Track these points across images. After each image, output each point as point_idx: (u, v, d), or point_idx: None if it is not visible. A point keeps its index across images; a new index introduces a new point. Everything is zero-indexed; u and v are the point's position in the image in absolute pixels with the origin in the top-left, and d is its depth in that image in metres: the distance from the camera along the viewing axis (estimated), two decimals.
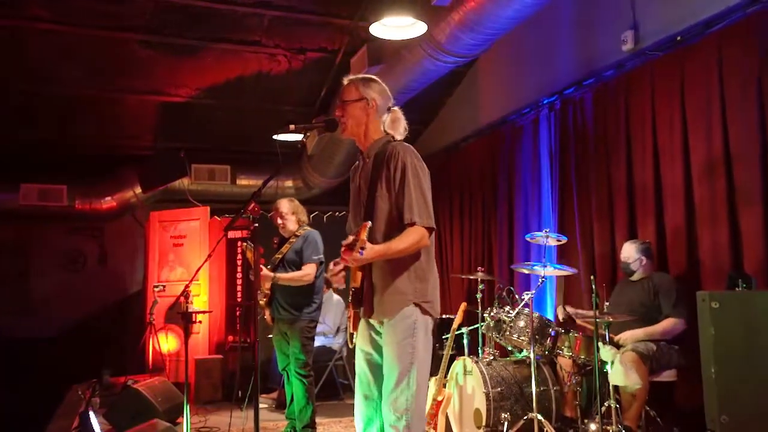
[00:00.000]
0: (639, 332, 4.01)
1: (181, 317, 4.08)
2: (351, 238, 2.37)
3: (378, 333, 2.60)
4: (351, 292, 2.59)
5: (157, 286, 6.82)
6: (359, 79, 2.70)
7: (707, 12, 4.06)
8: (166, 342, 7.04)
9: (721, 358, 3.30)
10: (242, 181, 8.00)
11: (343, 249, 2.40)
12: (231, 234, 7.29)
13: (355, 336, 2.68)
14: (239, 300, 7.32)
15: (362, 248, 2.33)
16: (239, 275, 7.47)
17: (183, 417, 4.11)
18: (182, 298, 3.99)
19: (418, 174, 2.54)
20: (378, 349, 2.60)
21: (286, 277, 4.47)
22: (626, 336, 4.02)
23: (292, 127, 2.56)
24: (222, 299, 7.53)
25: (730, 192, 3.97)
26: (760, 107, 3.77)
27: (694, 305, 3.51)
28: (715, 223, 4.04)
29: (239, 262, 7.45)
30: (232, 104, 7.13)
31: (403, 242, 2.45)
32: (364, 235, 2.33)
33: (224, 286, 7.54)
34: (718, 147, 4.03)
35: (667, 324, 3.99)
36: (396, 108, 2.74)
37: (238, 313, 7.27)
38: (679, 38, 4.30)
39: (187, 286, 3.86)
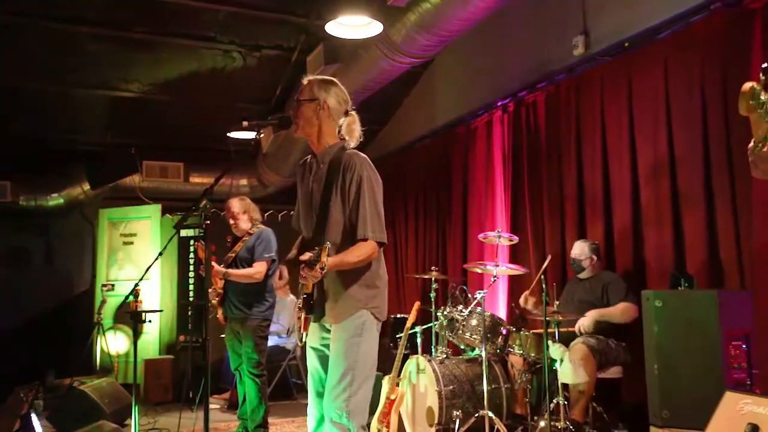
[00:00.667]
0: (594, 314, 4.11)
1: (130, 317, 3.99)
2: (309, 255, 2.35)
3: (329, 331, 2.62)
4: (302, 298, 2.60)
5: (105, 285, 6.66)
6: (317, 80, 2.67)
7: (654, 19, 4.19)
8: (115, 342, 6.88)
9: (663, 354, 3.42)
10: (195, 179, 7.87)
11: (302, 266, 2.38)
12: (183, 232, 7.17)
13: (305, 336, 2.69)
14: (191, 299, 7.21)
15: (322, 268, 2.33)
16: (191, 274, 7.35)
17: (131, 419, 4.02)
18: (132, 297, 3.90)
19: (373, 187, 2.55)
20: (329, 347, 2.61)
21: (237, 273, 4.44)
22: (584, 321, 4.11)
23: (245, 123, 2.54)
24: (173, 298, 7.40)
25: (674, 194, 4.11)
26: (703, 112, 3.92)
27: (640, 303, 3.63)
28: (660, 225, 4.18)
29: (191, 261, 7.34)
30: (185, 100, 7.00)
31: (355, 256, 2.48)
32: (325, 257, 2.32)
33: (176, 285, 7.41)
34: (663, 150, 4.16)
35: (623, 306, 4.09)
36: (353, 113, 2.71)
37: (189, 312, 7.16)
38: (627, 44, 4.42)
39: (136, 285, 3.77)
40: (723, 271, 3.77)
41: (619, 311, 4.10)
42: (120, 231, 7.38)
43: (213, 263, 4.40)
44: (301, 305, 2.61)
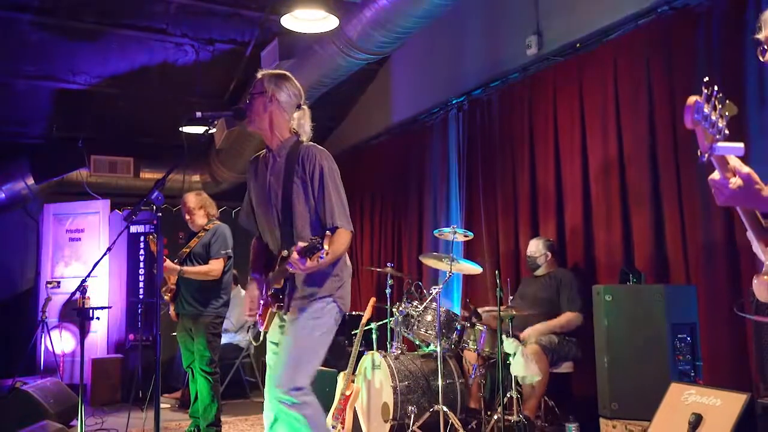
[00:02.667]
0: (540, 327, 4.18)
1: (77, 314, 3.86)
2: (305, 244, 2.27)
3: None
4: (272, 292, 2.59)
5: (50, 283, 6.45)
6: (269, 74, 2.68)
7: (603, 22, 4.29)
8: (60, 341, 6.66)
9: (613, 347, 3.51)
10: (146, 175, 7.68)
11: (295, 256, 2.28)
12: (133, 228, 7.01)
13: (261, 334, 2.68)
14: (141, 296, 7.04)
15: (321, 258, 2.27)
16: (141, 271, 7.18)
17: (78, 419, 3.90)
18: (78, 294, 3.77)
19: (335, 178, 2.57)
20: None
21: (193, 270, 4.35)
22: (528, 332, 4.19)
23: (198, 114, 2.49)
24: (123, 296, 7.21)
25: (623, 192, 4.21)
26: (650, 113, 4.03)
27: (591, 299, 3.71)
28: (609, 222, 4.28)
29: (141, 258, 7.17)
30: (135, 94, 6.83)
31: (341, 247, 2.52)
32: (327, 245, 2.25)
33: (125, 282, 7.23)
34: (613, 149, 4.27)
35: (564, 318, 4.19)
36: (305, 107, 2.72)
37: (140, 310, 6.99)
38: (578, 45, 4.52)
39: (83, 281, 3.65)
40: (669, 266, 3.89)
41: (564, 322, 4.19)
42: (66, 227, 7.15)
43: (168, 260, 4.30)
44: (269, 300, 2.60)
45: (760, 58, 1.61)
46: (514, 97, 5.13)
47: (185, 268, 4.33)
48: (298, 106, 2.68)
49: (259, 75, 2.69)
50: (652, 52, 4.01)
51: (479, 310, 4.51)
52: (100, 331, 6.96)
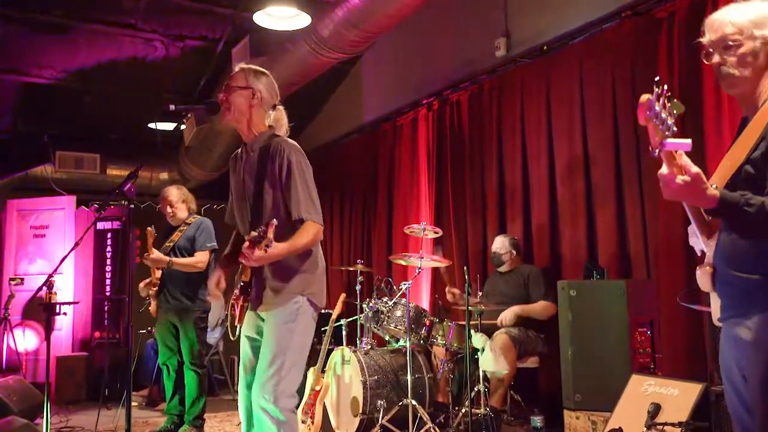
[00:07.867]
0: (517, 309, 4.28)
1: (42, 309, 3.82)
2: (254, 234, 2.31)
3: (263, 320, 2.61)
4: (240, 285, 2.60)
5: (13, 280, 6.33)
6: (251, 69, 2.68)
7: (570, 25, 4.40)
8: (23, 339, 6.54)
9: (577, 341, 3.61)
10: (113, 171, 7.57)
11: (246, 245, 2.33)
12: (100, 225, 6.92)
13: (238, 329, 2.69)
14: (108, 294, 6.95)
15: (267, 246, 2.29)
16: (108, 268, 7.09)
17: (42, 417, 3.85)
18: (45, 289, 3.73)
19: (303, 171, 2.56)
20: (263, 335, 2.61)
21: (181, 261, 4.35)
22: (506, 314, 4.28)
23: (171, 106, 2.49)
24: (89, 293, 7.11)
25: (588, 191, 4.33)
26: (614, 114, 4.15)
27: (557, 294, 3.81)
28: (574, 220, 4.40)
29: (108, 254, 7.07)
30: (103, 90, 6.74)
31: (303, 239, 2.48)
32: (271, 234, 2.27)
33: (91, 280, 7.12)
34: (578, 149, 4.38)
35: (542, 305, 4.29)
36: (281, 107, 2.74)
37: (106, 307, 6.90)
38: (545, 47, 4.62)
39: (50, 276, 3.62)
40: (631, 262, 4.02)
41: (540, 308, 4.30)
42: (30, 223, 7.03)
43: (156, 251, 4.28)
44: (238, 293, 2.60)
45: (705, 61, 1.69)
46: (483, 98, 5.22)
47: (174, 259, 4.33)
48: (274, 105, 2.70)
49: (237, 68, 2.68)
50: (617, 56, 4.13)
51: (448, 297, 4.56)
52: (64, 328, 6.85)
